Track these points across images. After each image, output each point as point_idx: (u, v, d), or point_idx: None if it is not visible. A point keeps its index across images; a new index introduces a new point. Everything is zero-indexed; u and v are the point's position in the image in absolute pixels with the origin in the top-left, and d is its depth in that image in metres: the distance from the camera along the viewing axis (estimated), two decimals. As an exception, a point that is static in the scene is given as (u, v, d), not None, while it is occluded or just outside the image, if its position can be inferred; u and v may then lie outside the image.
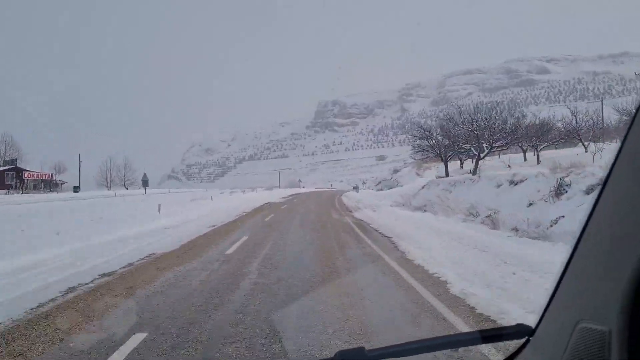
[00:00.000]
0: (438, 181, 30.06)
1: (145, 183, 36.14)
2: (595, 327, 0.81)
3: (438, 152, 35.25)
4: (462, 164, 45.19)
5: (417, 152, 39.01)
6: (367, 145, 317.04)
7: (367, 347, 1.11)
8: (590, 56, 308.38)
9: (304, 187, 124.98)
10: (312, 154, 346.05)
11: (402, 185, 52.04)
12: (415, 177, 56.50)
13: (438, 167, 62.10)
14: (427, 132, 37.14)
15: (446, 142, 35.88)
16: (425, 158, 41.39)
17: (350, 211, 24.23)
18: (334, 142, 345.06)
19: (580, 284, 0.90)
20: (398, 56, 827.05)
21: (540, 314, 1.02)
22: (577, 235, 0.89)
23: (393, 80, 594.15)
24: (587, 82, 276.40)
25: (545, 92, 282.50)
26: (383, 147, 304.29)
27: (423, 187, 30.84)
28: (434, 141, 35.81)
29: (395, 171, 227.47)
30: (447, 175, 35.34)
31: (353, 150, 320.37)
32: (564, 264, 0.94)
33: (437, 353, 3.50)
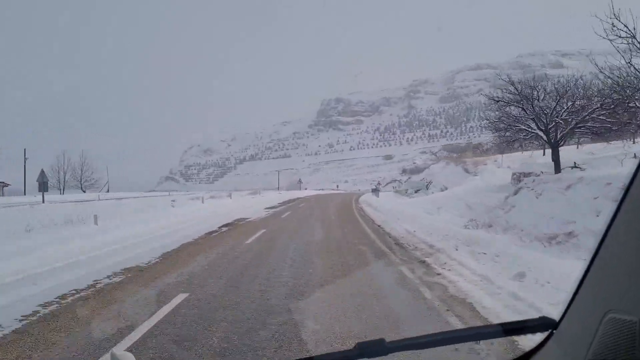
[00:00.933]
0: (545, 180, 15.64)
1: (42, 186, 21.82)
2: (624, 318, 0.80)
3: (545, 128, 20.48)
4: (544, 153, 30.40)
5: (506, 130, 23.99)
6: (373, 144, 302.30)
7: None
8: (607, 49, 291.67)
9: (306, 189, 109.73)
10: (316, 154, 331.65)
11: (445, 189, 36.55)
12: (463, 176, 40.77)
13: (497, 161, 46.87)
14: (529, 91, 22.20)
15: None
16: (513, 141, 26.21)
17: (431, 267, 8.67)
18: (338, 141, 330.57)
19: (607, 275, 0.90)
20: (404, 52, 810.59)
21: (565, 306, 1.01)
22: (605, 225, 0.88)
23: (399, 77, 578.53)
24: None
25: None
26: (390, 145, 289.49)
27: (517, 192, 16.41)
28: (535, 108, 20.98)
29: (404, 171, 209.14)
30: (558, 169, 20.67)
31: (358, 149, 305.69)
32: (591, 256, 0.93)
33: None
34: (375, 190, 51.87)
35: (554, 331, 1.03)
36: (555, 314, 0.96)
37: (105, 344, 4.30)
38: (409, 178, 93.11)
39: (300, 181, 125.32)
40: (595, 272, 0.93)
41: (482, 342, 3.35)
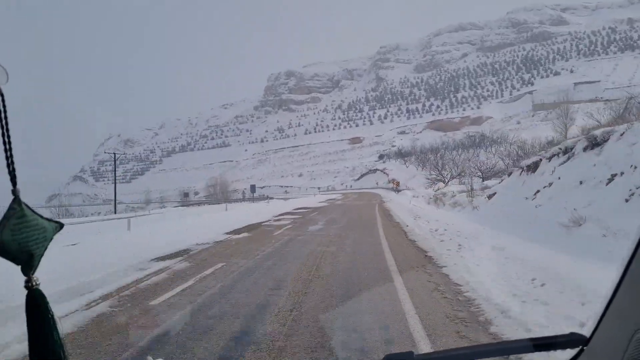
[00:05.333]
0: None
1: None
2: None
3: None
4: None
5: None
6: (335, 126, 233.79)
7: None
8: (616, 1, 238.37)
9: (268, 201, 38.74)
10: (262, 141, 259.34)
11: None
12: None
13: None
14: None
15: None
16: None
17: None
18: (290, 124, 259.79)
19: (637, 293, 0.89)
20: (368, 15, 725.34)
21: (595, 323, 1.00)
22: (635, 242, 0.88)
23: (364, 45, 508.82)
24: (625, 31, 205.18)
25: (572, 45, 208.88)
26: (357, 126, 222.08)
27: None
28: None
29: (381, 156, 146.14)
30: None
31: (316, 132, 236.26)
32: (621, 272, 0.93)
33: None
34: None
35: (585, 348, 1.02)
36: None
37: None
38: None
39: (251, 190, 57.49)
40: (625, 290, 0.92)
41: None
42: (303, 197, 60.64)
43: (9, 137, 0.65)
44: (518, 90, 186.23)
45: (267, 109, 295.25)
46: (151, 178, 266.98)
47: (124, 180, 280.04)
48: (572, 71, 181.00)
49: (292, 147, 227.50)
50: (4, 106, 0.65)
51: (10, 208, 0.67)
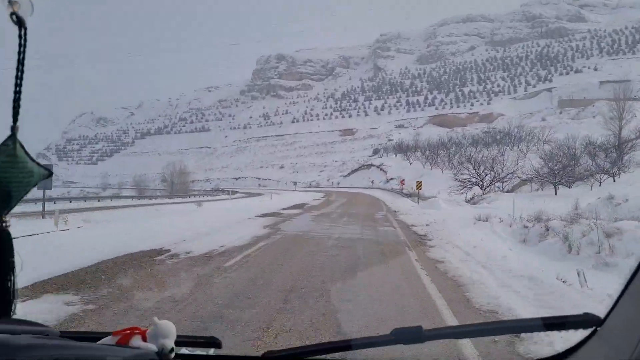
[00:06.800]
0: None
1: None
2: None
3: None
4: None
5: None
6: (326, 115, 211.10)
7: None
8: (639, 1, 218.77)
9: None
10: (245, 127, 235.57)
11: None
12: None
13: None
14: None
15: None
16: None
17: None
18: (277, 111, 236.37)
19: None
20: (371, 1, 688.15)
21: (612, 304, 0.99)
22: None
23: (363, 33, 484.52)
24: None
25: (593, 43, 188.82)
26: (350, 116, 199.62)
27: None
28: None
29: (376, 151, 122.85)
30: None
31: (305, 121, 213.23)
32: None
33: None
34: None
35: (598, 329, 1.00)
36: None
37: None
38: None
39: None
40: None
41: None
42: (260, 198, 38.63)
43: (22, 71, 0.64)
44: (534, 86, 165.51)
45: (254, 94, 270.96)
46: (119, 161, 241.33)
47: (89, 162, 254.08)
48: (596, 69, 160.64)
49: (277, 135, 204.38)
50: (25, 40, 0.64)
51: (4, 144, 0.66)
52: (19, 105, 0.64)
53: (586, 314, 0.99)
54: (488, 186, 38.81)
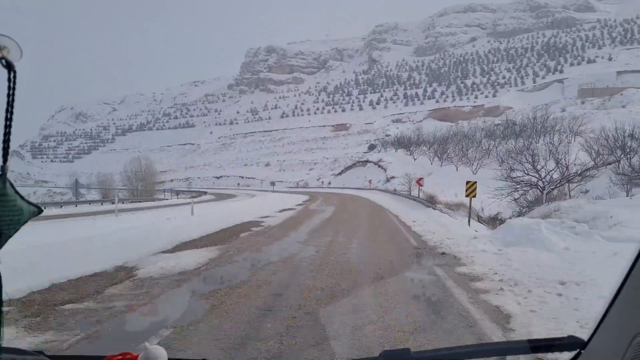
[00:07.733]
0: None
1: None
2: None
3: None
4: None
5: None
6: (317, 109, 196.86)
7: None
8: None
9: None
10: (231, 123, 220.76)
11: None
12: None
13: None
14: None
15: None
16: None
17: None
18: (266, 105, 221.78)
19: (638, 298, 0.89)
20: None
21: (594, 326, 0.99)
22: (638, 249, 0.88)
23: (357, 24, 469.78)
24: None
25: (604, 32, 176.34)
26: (344, 111, 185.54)
27: None
28: None
29: (373, 146, 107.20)
30: None
31: (294, 116, 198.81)
32: (623, 277, 0.92)
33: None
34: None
35: (582, 351, 1.01)
36: None
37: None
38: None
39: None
40: (625, 294, 0.92)
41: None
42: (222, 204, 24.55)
43: (12, 112, 0.65)
44: (543, 77, 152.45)
45: (242, 88, 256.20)
46: (97, 159, 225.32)
47: (65, 160, 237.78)
48: (610, 59, 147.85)
49: (265, 131, 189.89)
50: (14, 82, 0.64)
51: None
52: (8, 147, 0.64)
53: (571, 337, 1.01)
54: (555, 188, 24.92)
